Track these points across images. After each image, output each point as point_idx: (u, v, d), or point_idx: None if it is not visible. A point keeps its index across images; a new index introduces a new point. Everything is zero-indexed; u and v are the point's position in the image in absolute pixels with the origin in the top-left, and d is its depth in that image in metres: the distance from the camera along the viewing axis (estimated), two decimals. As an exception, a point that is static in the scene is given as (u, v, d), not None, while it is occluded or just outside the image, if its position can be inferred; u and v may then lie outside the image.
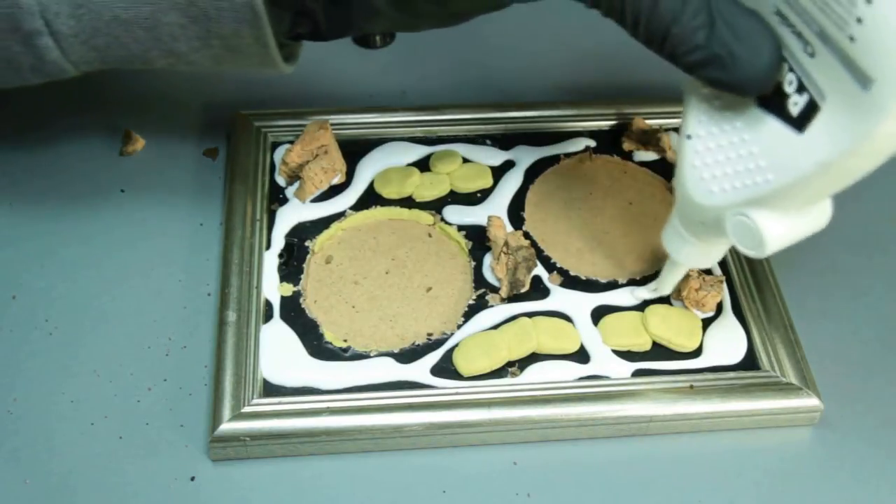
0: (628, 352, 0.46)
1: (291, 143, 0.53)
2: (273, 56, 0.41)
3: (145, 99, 0.58)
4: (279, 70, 0.43)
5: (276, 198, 0.51)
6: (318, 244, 0.50)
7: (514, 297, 0.47)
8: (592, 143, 0.55)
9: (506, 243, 0.47)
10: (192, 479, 0.42)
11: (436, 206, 0.51)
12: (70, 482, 0.42)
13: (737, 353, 0.46)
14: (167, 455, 0.43)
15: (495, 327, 0.46)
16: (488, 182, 0.52)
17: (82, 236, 0.51)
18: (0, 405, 0.44)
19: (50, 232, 0.51)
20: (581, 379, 0.45)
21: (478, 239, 0.50)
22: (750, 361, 0.46)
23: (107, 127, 0.56)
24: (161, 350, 0.46)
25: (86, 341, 0.46)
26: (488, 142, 0.55)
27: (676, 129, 0.55)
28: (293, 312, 0.47)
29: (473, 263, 0.49)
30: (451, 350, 0.45)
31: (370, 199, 0.52)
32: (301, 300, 0.47)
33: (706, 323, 0.47)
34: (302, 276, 0.48)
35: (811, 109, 0.35)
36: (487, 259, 0.49)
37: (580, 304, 0.47)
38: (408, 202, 0.51)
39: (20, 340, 0.46)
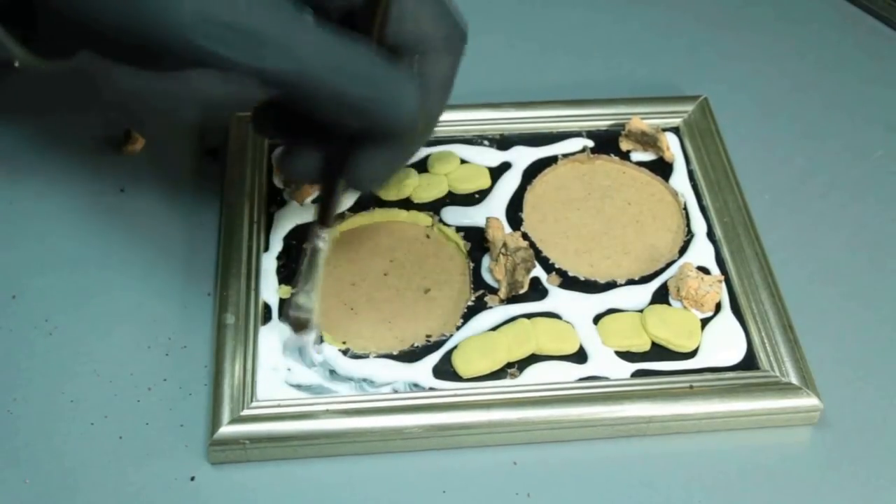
0: (627, 352, 0.46)
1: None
2: None
3: (145, 99, 0.58)
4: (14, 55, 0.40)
5: (274, 200, 0.51)
6: (317, 246, 0.50)
7: (512, 299, 0.47)
8: (590, 144, 0.55)
9: (504, 244, 0.47)
10: (192, 479, 0.42)
11: (434, 207, 0.51)
12: (70, 482, 0.42)
13: (736, 353, 0.46)
14: (167, 455, 0.43)
15: (494, 329, 0.46)
16: (486, 183, 0.52)
17: (82, 236, 0.51)
18: (0, 405, 0.44)
19: (50, 232, 0.51)
20: (580, 380, 0.45)
21: (476, 240, 0.50)
22: (749, 361, 0.46)
23: (107, 126, 0.56)
24: (161, 350, 0.46)
25: (86, 341, 0.46)
26: (486, 142, 0.55)
27: (674, 129, 0.56)
28: (292, 314, 0.47)
29: (472, 265, 0.49)
30: (450, 352, 0.45)
31: (368, 200, 0.51)
32: (300, 301, 0.47)
33: (705, 323, 0.47)
34: (301, 278, 0.48)
35: None
36: (486, 260, 0.49)
37: (579, 304, 0.47)
38: (406, 203, 0.51)
39: (20, 340, 0.46)
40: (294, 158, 0.43)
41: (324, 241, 0.44)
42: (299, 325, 0.44)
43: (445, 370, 0.45)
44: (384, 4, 0.39)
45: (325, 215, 0.43)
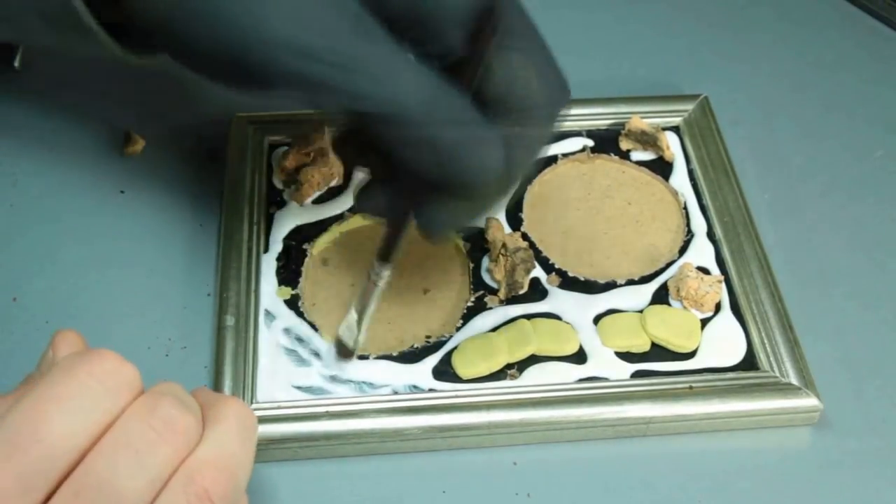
0: (627, 353, 0.46)
1: (289, 145, 0.53)
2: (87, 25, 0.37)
3: (145, 99, 0.58)
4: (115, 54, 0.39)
5: (275, 200, 0.51)
6: (317, 247, 0.50)
7: (512, 299, 0.47)
8: (590, 143, 0.55)
9: (503, 245, 0.47)
10: (192, 481, 0.42)
11: (434, 207, 0.51)
12: (70, 484, 0.42)
13: (736, 354, 0.46)
14: (167, 457, 0.43)
15: (494, 329, 0.46)
16: (487, 183, 0.52)
17: (82, 237, 0.51)
18: (1, 408, 0.44)
19: (50, 233, 0.51)
20: (580, 381, 0.45)
21: (476, 240, 0.50)
22: (749, 362, 0.46)
23: (107, 127, 0.56)
24: (161, 350, 0.46)
25: (86, 343, 0.46)
26: (487, 142, 0.55)
27: (675, 128, 0.55)
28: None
29: (471, 265, 0.49)
30: (449, 353, 0.45)
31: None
32: (299, 303, 0.47)
33: (705, 323, 0.47)
34: (300, 279, 0.48)
35: None
36: (485, 261, 0.49)
37: (579, 305, 0.47)
38: (406, 203, 0.51)
39: (21, 342, 0.46)
40: (367, 193, 0.42)
41: (381, 278, 0.42)
42: (343, 353, 0.44)
43: (445, 371, 0.45)
44: (486, 58, 0.37)
45: (387, 251, 0.42)
